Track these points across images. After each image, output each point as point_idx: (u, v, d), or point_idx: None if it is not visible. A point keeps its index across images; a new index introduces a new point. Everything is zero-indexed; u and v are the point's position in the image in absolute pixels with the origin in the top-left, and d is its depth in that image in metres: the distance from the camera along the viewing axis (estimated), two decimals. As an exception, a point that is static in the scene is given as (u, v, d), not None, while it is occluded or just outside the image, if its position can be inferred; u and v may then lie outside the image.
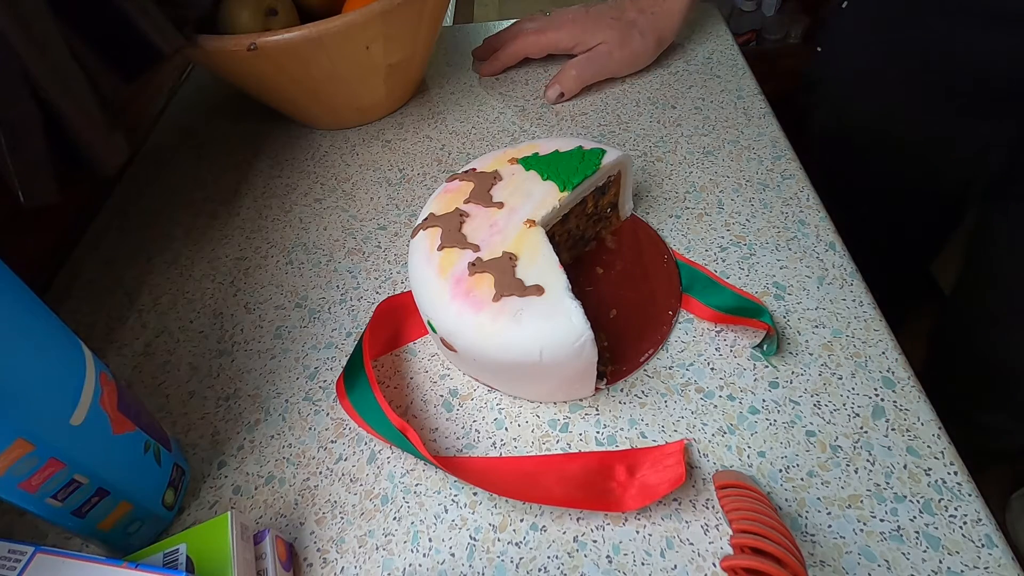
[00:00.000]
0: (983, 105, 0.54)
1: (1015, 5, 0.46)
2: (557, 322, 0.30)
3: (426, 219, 0.36)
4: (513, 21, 0.64)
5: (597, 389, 0.34)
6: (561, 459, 0.32)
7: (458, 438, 0.34)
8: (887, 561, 0.28)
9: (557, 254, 0.33)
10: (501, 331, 0.30)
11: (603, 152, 0.38)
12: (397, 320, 0.39)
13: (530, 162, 0.38)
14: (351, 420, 0.35)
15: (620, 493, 0.30)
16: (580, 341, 0.30)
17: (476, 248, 0.33)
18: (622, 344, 0.36)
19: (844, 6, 0.63)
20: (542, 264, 0.32)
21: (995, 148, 0.56)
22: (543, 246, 0.33)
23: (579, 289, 0.37)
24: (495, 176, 0.37)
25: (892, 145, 0.62)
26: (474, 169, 0.38)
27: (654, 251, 0.41)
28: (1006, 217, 0.58)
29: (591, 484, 0.30)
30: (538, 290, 0.31)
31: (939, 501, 0.29)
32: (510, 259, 0.33)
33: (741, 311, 0.36)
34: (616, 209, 0.43)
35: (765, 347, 0.35)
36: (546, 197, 0.36)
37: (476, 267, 0.32)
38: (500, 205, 0.35)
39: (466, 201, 0.36)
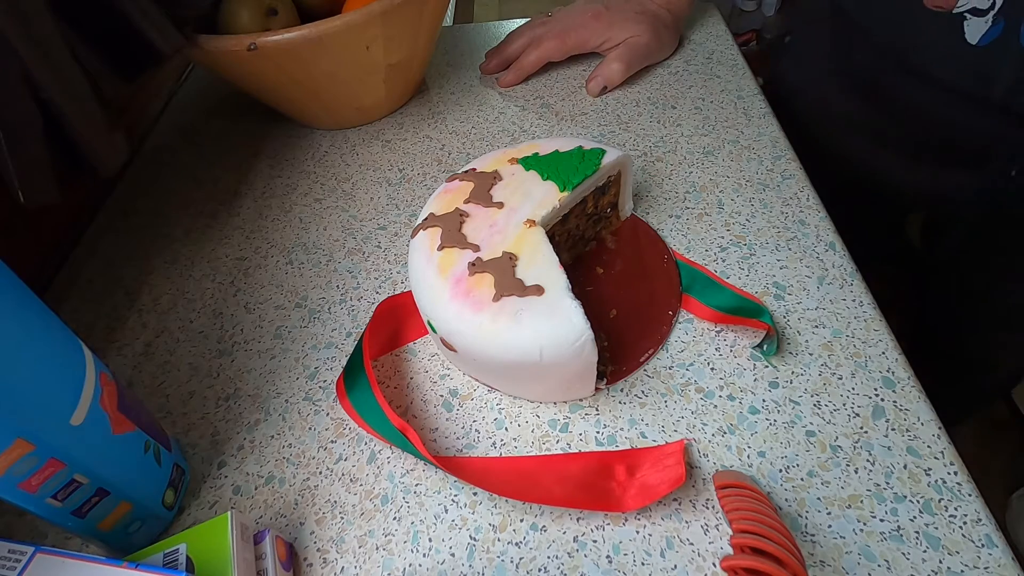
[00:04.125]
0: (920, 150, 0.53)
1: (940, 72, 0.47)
2: (557, 322, 0.30)
3: (426, 219, 0.36)
4: (514, 22, 0.64)
5: (597, 389, 0.34)
6: (561, 459, 0.32)
7: (458, 438, 0.34)
8: (887, 561, 0.28)
9: (557, 254, 0.33)
10: (501, 331, 0.30)
11: (603, 152, 0.38)
12: (397, 320, 0.39)
13: (530, 162, 0.38)
14: (351, 420, 0.35)
15: (620, 493, 0.30)
16: (580, 341, 0.30)
17: (476, 248, 0.33)
18: (622, 344, 0.36)
19: (787, 40, 0.63)
20: (542, 264, 0.32)
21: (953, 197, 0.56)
22: (543, 246, 0.33)
23: (579, 289, 0.37)
24: (495, 176, 0.37)
25: (845, 176, 0.59)
26: (474, 169, 0.38)
27: (654, 251, 0.41)
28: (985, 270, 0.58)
29: (591, 484, 0.30)
30: (538, 290, 0.31)
31: (939, 501, 0.29)
32: (510, 259, 0.33)
33: (741, 311, 0.36)
34: (616, 209, 0.43)
35: (765, 347, 0.35)
36: (546, 197, 0.36)
37: (476, 267, 0.32)
38: (500, 205, 0.35)
39: (466, 201, 0.36)
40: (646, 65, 0.57)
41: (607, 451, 0.32)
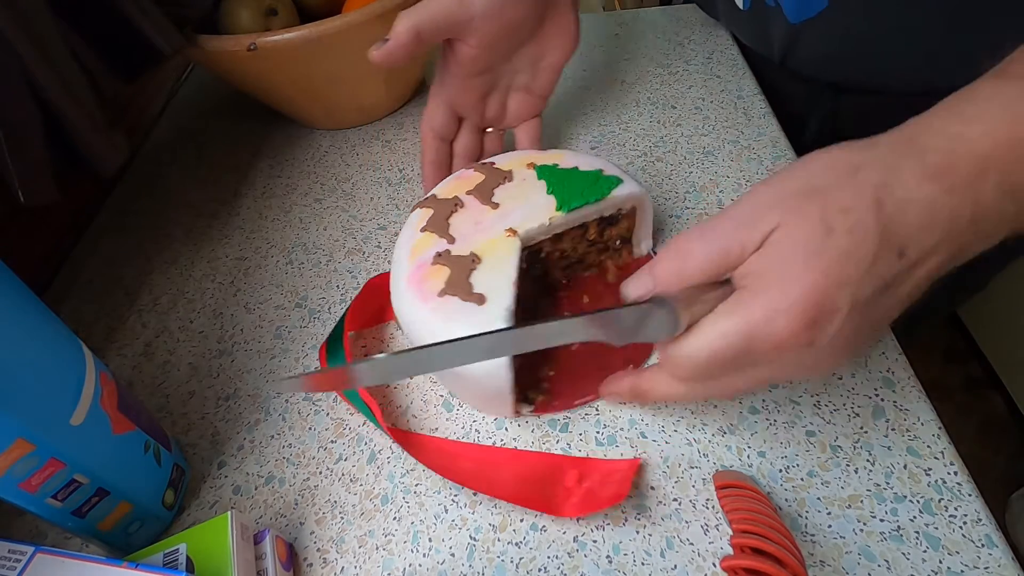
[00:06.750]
0: None
1: None
2: None
3: (428, 197, 0.36)
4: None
5: (518, 413, 0.34)
6: (519, 454, 0.32)
7: (458, 438, 0.34)
8: (887, 561, 0.28)
9: (544, 271, 0.32)
10: (434, 328, 0.31)
11: (618, 182, 0.36)
12: (384, 296, 0.39)
13: (545, 171, 0.37)
14: (351, 420, 0.35)
15: (563, 498, 0.30)
16: (492, 364, 0.29)
17: (451, 240, 0.33)
18: (572, 379, 0.34)
19: None
20: (499, 276, 0.31)
21: None
22: (511, 259, 0.32)
23: (557, 312, 0.37)
24: (507, 176, 0.37)
25: None
26: (492, 163, 0.38)
27: None
28: None
29: (540, 484, 0.30)
30: (480, 299, 0.30)
31: (939, 501, 0.29)
32: (472, 260, 0.32)
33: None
34: (628, 244, 0.40)
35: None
36: (539, 211, 0.34)
37: (440, 258, 0.32)
38: (495, 206, 0.35)
39: (468, 192, 0.36)
40: None
41: (566, 456, 0.32)
